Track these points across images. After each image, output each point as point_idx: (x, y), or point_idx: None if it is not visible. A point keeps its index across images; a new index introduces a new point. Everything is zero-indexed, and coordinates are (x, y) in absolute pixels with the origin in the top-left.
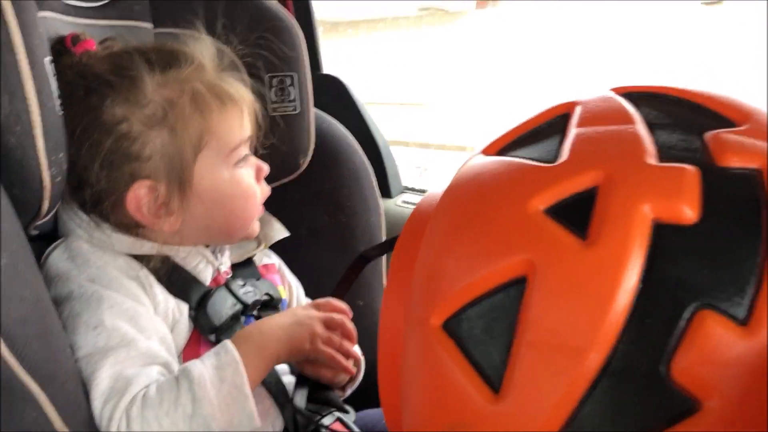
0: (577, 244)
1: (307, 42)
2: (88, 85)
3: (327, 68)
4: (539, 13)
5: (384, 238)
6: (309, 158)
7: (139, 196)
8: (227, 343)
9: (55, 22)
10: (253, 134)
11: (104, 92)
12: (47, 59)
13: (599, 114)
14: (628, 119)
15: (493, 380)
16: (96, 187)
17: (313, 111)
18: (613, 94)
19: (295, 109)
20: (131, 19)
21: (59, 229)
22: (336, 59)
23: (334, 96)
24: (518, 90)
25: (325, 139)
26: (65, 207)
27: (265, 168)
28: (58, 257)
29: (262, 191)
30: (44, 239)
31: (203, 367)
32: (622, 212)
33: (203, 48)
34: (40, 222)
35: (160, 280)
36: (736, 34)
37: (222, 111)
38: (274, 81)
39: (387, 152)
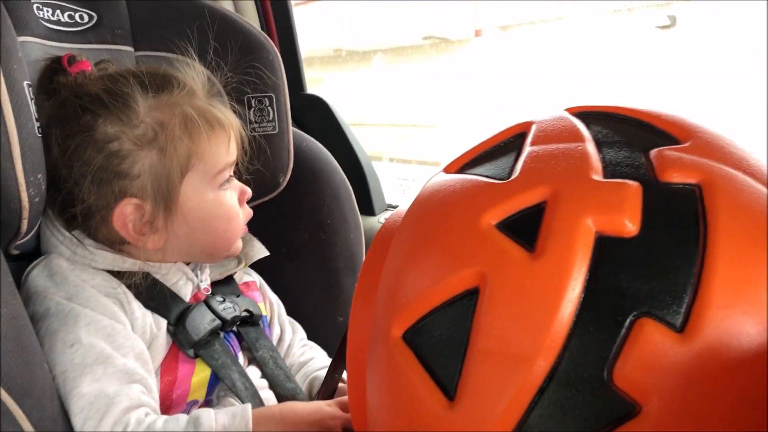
0: (524, 257)
1: (291, 63)
2: (82, 104)
3: (345, 94)
4: (535, 38)
5: (364, 255)
6: (288, 177)
7: (125, 213)
8: (247, 411)
9: (37, 47)
10: (238, 158)
11: (97, 111)
12: (26, 83)
13: (551, 133)
14: (578, 137)
15: (448, 388)
16: (85, 202)
17: (292, 130)
18: (566, 114)
19: (274, 129)
20: (113, 43)
21: (41, 247)
22: (352, 86)
23: (318, 115)
24: (515, 110)
25: (304, 158)
26: (48, 224)
27: (248, 191)
28: (37, 275)
29: (244, 213)
30: (26, 258)
31: (214, 422)
32: (566, 226)
33: (195, 74)
34: (20, 242)
35: (139, 296)
36: (690, 56)
37: (210, 135)
38: (254, 101)
39: (370, 170)
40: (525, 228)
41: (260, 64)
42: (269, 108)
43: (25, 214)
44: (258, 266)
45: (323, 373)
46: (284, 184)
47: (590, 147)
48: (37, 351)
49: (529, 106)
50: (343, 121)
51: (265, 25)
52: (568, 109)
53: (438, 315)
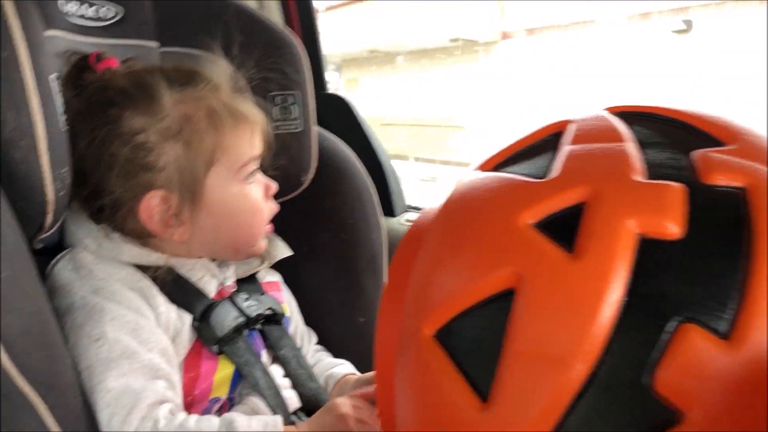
0: (563, 258)
1: (313, 62)
2: (108, 98)
3: (379, 95)
4: (560, 42)
5: (385, 256)
6: (311, 176)
7: (151, 206)
8: (278, 422)
9: (63, 41)
10: (263, 153)
11: (124, 104)
12: (53, 76)
13: (591, 132)
14: (618, 137)
15: (482, 389)
16: (112, 195)
17: (316, 129)
18: (606, 113)
19: (297, 127)
20: (137, 38)
21: (66, 240)
22: (385, 87)
23: (339, 115)
24: (542, 112)
25: (327, 157)
26: (74, 217)
27: (274, 186)
28: (62, 268)
29: (270, 208)
30: (48, 253)
31: (248, 426)
32: (607, 227)
33: (220, 70)
34: (44, 235)
35: (163, 290)
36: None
37: (235, 128)
38: (278, 99)
39: (391, 171)
40: (563, 228)
41: (285, 62)
42: (293, 106)
43: (50, 208)
44: (279, 265)
45: (336, 370)
46: (307, 182)
47: (631, 147)
48: (61, 346)
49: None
50: (365, 121)
51: (288, 24)
52: (607, 109)
53: (471, 315)
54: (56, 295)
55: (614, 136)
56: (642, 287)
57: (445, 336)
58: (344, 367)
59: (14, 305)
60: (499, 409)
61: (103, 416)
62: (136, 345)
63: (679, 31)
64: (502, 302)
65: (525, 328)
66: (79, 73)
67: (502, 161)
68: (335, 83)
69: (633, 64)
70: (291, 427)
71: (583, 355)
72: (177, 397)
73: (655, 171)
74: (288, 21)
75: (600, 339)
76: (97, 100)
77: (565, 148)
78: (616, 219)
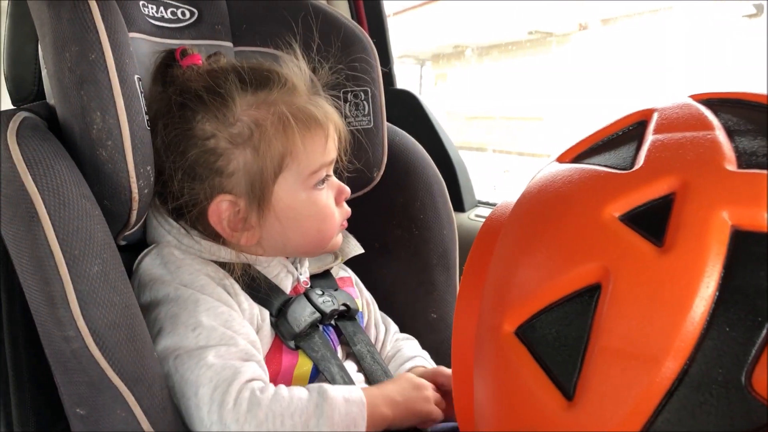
0: (652, 251)
1: (381, 58)
2: (183, 100)
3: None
4: (634, 31)
5: (457, 252)
6: (382, 171)
7: (220, 210)
8: (360, 390)
9: (144, 43)
10: (338, 156)
11: (197, 108)
12: (136, 77)
13: (676, 120)
14: (706, 125)
15: (566, 387)
16: (180, 197)
17: (386, 125)
18: (691, 101)
19: (369, 123)
20: (212, 38)
21: (148, 237)
22: (469, 81)
23: (407, 110)
24: (619, 102)
25: (398, 153)
26: (155, 214)
27: (347, 191)
28: (150, 263)
29: (342, 212)
30: (131, 250)
31: (336, 393)
32: (699, 218)
33: (298, 70)
34: (128, 232)
35: (245, 287)
36: None
37: (306, 135)
38: (349, 96)
39: (460, 166)
40: (651, 221)
41: (357, 59)
42: (364, 102)
43: (135, 205)
44: (351, 261)
45: (410, 364)
46: (378, 178)
47: (720, 135)
48: (147, 339)
49: (633, 98)
50: (434, 115)
51: (357, 21)
52: (692, 96)
53: (555, 311)
54: (147, 288)
55: (702, 124)
56: (736, 282)
57: (527, 332)
58: (415, 361)
59: (104, 299)
60: (585, 408)
61: (205, 390)
62: (231, 333)
63: (750, 15)
64: (588, 298)
65: (613, 325)
66: (165, 68)
67: (582, 152)
68: (425, 79)
69: (704, 51)
70: (373, 388)
71: (675, 352)
72: (267, 379)
73: (747, 160)
74: (357, 17)
75: (692, 335)
76: (175, 100)
77: (651, 138)
78: (708, 210)
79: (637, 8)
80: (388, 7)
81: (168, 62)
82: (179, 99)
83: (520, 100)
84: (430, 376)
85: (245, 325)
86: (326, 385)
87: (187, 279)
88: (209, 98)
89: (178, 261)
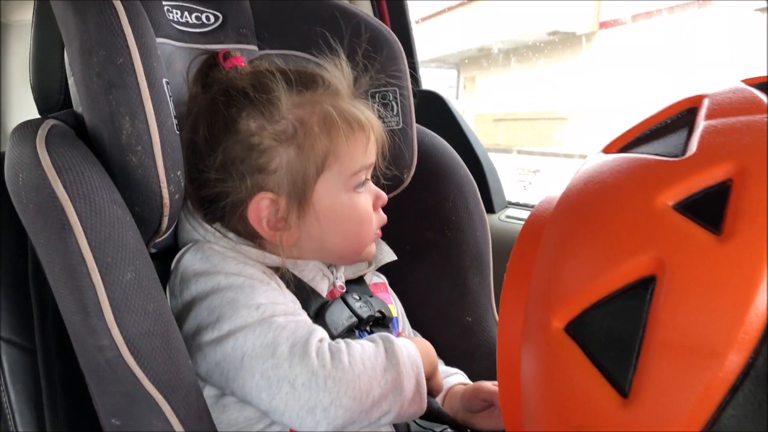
0: (710, 240)
1: (407, 59)
2: (229, 98)
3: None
4: (650, 30)
5: (490, 253)
6: (412, 173)
7: (260, 207)
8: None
9: (169, 47)
10: (376, 161)
11: (242, 105)
12: (164, 81)
13: (730, 105)
14: (762, 109)
15: (621, 384)
16: (219, 196)
17: (415, 126)
18: (743, 85)
19: (398, 124)
20: (237, 42)
21: (180, 242)
22: (495, 84)
23: (435, 112)
24: (646, 100)
25: (427, 154)
26: (188, 218)
27: (384, 197)
28: (191, 259)
29: (378, 218)
30: (162, 258)
31: (397, 339)
32: (759, 204)
33: (340, 74)
34: (159, 239)
35: (288, 286)
36: None
37: (349, 135)
38: (377, 96)
39: (489, 167)
40: (708, 209)
41: (384, 59)
42: (393, 102)
43: (166, 211)
44: (382, 266)
45: (450, 380)
46: (408, 180)
47: None
48: (182, 347)
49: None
50: (461, 116)
51: (380, 20)
52: (744, 81)
53: (607, 306)
54: (192, 283)
55: (758, 107)
56: None
57: (577, 328)
58: (455, 378)
59: (138, 307)
60: (643, 405)
61: (284, 348)
62: (294, 307)
63: (762, 9)
64: (641, 291)
65: (670, 318)
66: (208, 70)
67: (628, 143)
68: (455, 82)
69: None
70: (407, 340)
71: (738, 345)
72: None
73: None
74: (379, 17)
75: (756, 327)
76: (219, 99)
77: (703, 124)
78: None
79: (654, 6)
80: (414, 11)
81: (210, 64)
82: (224, 97)
83: (546, 100)
84: (471, 392)
85: (300, 312)
86: (387, 334)
87: (235, 269)
88: (255, 95)
89: (220, 255)
